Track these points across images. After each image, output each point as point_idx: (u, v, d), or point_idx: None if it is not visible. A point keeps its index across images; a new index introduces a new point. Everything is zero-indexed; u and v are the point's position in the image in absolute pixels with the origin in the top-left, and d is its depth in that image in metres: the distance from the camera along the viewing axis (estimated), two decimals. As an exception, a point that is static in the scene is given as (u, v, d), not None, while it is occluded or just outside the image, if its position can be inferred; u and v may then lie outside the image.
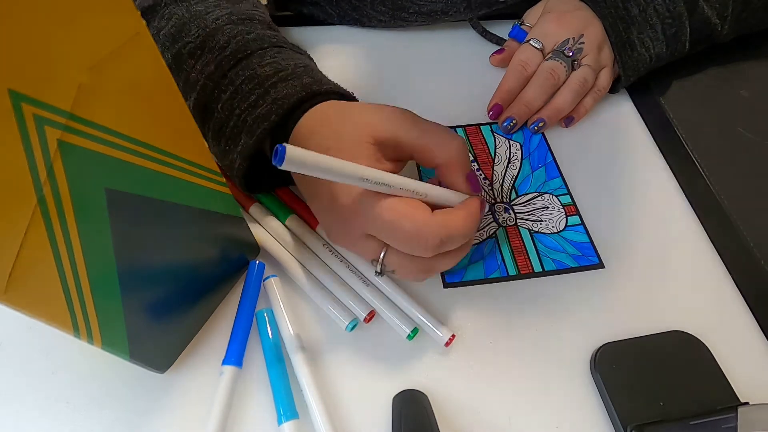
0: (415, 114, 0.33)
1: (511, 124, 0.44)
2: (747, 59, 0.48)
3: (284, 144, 0.23)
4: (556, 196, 0.41)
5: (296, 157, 0.24)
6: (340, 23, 0.53)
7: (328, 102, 0.34)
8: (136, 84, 0.22)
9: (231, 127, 0.34)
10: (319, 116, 0.33)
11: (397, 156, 0.32)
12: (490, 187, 0.42)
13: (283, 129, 0.34)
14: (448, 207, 0.31)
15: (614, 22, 0.44)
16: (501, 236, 0.39)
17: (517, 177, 0.42)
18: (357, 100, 0.37)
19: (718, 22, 0.45)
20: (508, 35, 0.51)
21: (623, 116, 0.47)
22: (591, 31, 0.44)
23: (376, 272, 0.33)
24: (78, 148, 0.20)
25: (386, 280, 0.35)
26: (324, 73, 0.38)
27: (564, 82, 0.45)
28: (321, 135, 0.32)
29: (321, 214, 0.34)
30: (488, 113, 0.46)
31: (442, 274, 0.36)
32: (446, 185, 0.33)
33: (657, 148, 0.45)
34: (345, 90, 0.36)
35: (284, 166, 0.24)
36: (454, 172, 0.32)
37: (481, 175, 0.43)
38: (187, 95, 0.36)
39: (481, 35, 0.53)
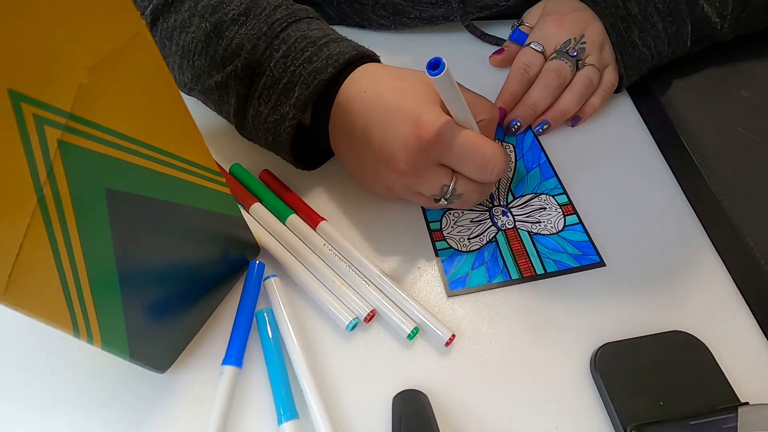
0: None
1: (517, 125, 0.44)
2: (747, 59, 0.48)
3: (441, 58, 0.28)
4: (553, 197, 0.41)
5: (450, 72, 0.29)
6: (340, 24, 0.53)
7: (377, 63, 0.37)
8: (137, 84, 0.22)
9: (284, 83, 0.35)
10: (375, 69, 0.36)
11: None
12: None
13: (326, 94, 0.36)
14: None
15: (615, 21, 0.44)
16: (501, 240, 0.39)
17: (512, 179, 0.42)
18: None
19: (719, 21, 0.45)
20: (509, 38, 0.51)
21: (623, 116, 0.47)
22: (591, 30, 0.44)
23: (443, 198, 0.36)
24: (78, 149, 0.20)
25: (386, 280, 0.35)
26: None
27: (570, 82, 0.45)
28: (388, 77, 0.35)
29: (373, 157, 0.35)
30: None
31: (446, 282, 0.37)
32: None
33: (657, 148, 0.45)
34: None
35: (441, 77, 0.28)
36: (490, 130, 0.37)
37: None
38: (228, 62, 0.37)
39: (480, 38, 0.53)
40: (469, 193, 0.35)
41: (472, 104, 0.35)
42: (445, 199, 0.36)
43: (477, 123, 0.35)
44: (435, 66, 0.28)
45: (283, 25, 0.36)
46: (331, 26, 0.39)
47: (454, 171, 0.35)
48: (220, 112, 0.41)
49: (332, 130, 0.37)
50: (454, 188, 0.35)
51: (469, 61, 0.51)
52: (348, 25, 0.53)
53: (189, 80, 0.40)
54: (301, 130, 0.37)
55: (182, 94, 0.25)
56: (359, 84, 0.35)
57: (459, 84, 0.35)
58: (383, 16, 0.52)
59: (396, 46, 0.52)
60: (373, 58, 0.38)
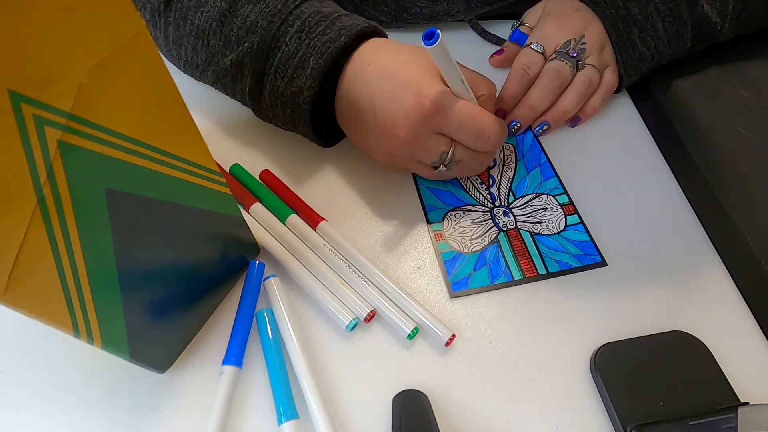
0: None
1: (516, 126, 0.44)
2: (747, 59, 0.48)
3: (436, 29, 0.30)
4: (554, 197, 0.41)
5: (444, 43, 0.31)
6: None
7: (382, 38, 0.39)
8: (137, 84, 0.22)
9: (300, 56, 0.37)
10: (380, 44, 0.38)
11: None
12: (487, 191, 0.42)
13: (334, 67, 0.37)
14: None
15: (615, 21, 0.44)
16: (503, 241, 0.39)
17: (513, 179, 0.42)
18: None
19: (719, 21, 0.45)
20: (509, 39, 0.51)
21: (623, 116, 0.47)
22: (592, 31, 0.44)
23: (443, 165, 0.37)
24: (78, 149, 0.20)
25: (386, 280, 0.35)
26: None
27: (570, 83, 0.44)
28: (392, 51, 0.37)
29: (377, 126, 0.36)
30: None
31: (449, 284, 0.37)
32: None
33: (657, 148, 0.45)
34: None
35: (436, 46, 0.30)
36: (490, 104, 0.39)
37: (477, 179, 0.43)
38: (243, 40, 0.37)
39: (481, 36, 0.53)
40: (467, 159, 0.37)
41: (471, 81, 0.37)
42: (444, 165, 0.37)
43: (477, 98, 0.37)
44: (430, 36, 0.30)
45: (297, 2, 0.38)
46: None
47: (452, 140, 0.36)
48: (233, 95, 0.41)
49: (338, 101, 0.38)
50: (453, 155, 0.37)
51: (469, 61, 0.50)
52: None
53: (202, 61, 0.40)
54: (315, 107, 0.38)
55: (182, 95, 0.25)
56: (364, 57, 0.37)
57: (459, 63, 0.36)
58: (384, 12, 0.52)
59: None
60: (382, 34, 0.39)
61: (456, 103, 0.35)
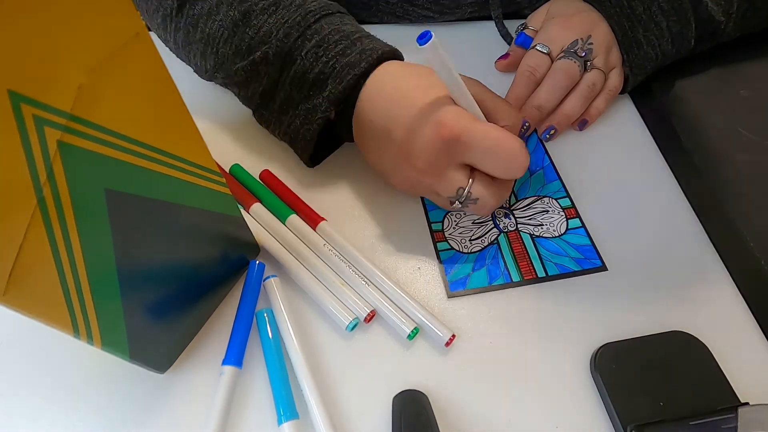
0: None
1: (525, 127, 0.44)
2: (747, 59, 0.48)
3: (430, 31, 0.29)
4: (556, 200, 0.41)
5: (438, 45, 0.30)
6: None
7: (400, 61, 0.38)
8: (136, 84, 0.22)
9: (316, 73, 0.36)
10: (399, 67, 0.37)
11: None
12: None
13: (353, 89, 0.36)
14: None
15: (620, 20, 0.44)
16: (503, 242, 0.39)
17: (515, 181, 0.42)
18: None
19: (723, 20, 0.45)
20: (514, 42, 0.50)
21: (625, 118, 0.47)
22: (598, 32, 0.44)
23: (458, 201, 0.35)
24: (78, 149, 0.20)
25: (386, 280, 0.35)
26: None
27: (577, 83, 0.44)
28: (410, 75, 0.36)
29: (395, 154, 0.35)
30: None
31: (447, 283, 0.37)
32: None
33: (657, 148, 0.45)
34: None
35: (427, 47, 0.29)
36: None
37: None
38: (254, 50, 0.37)
39: (495, 22, 0.52)
40: (484, 197, 0.35)
41: (497, 110, 0.35)
42: (460, 202, 0.35)
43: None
44: (423, 37, 0.29)
45: (317, 16, 0.37)
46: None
47: (472, 172, 0.35)
48: (246, 94, 0.41)
49: (356, 125, 0.38)
50: (469, 191, 0.35)
51: (472, 61, 0.51)
52: (355, 11, 0.53)
53: (211, 67, 0.40)
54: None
55: (182, 95, 0.25)
56: (383, 81, 0.36)
57: (487, 88, 0.36)
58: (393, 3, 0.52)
59: (401, 44, 0.52)
60: (400, 58, 0.39)
61: (480, 129, 0.33)
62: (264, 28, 0.37)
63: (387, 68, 0.37)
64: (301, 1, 0.38)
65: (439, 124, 0.33)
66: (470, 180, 0.34)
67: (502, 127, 0.35)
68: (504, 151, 0.33)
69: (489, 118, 0.35)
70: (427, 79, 0.35)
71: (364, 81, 0.36)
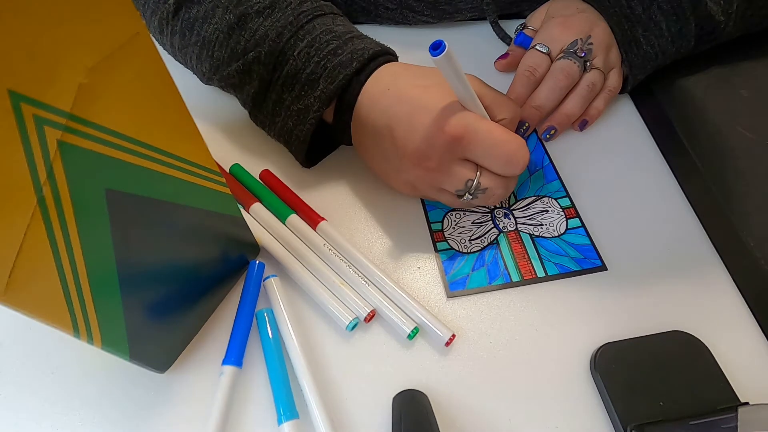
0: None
1: (524, 128, 0.44)
2: (747, 59, 0.48)
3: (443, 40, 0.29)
4: (556, 200, 0.41)
5: (452, 54, 0.29)
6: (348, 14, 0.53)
7: (398, 62, 0.38)
8: (136, 84, 0.22)
9: (308, 73, 0.36)
10: (397, 68, 0.37)
11: None
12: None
13: (349, 92, 0.37)
14: None
15: (619, 20, 0.44)
16: (502, 242, 0.39)
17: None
18: None
19: (723, 20, 0.45)
20: (513, 42, 0.50)
21: (624, 118, 0.47)
22: (598, 32, 0.44)
23: (467, 194, 0.36)
24: (78, 149, 0.20)
25: (386, 280, 0.35)
26: None
27: (577, 83, 0.44)
28: (412, 75, 0.36)
29: (398, 154, 0.35)
30: None
31: (446, 283, 0.37)
32: None
33: (657, 148, 0.45)
34: None
35: (441, 57, 0.29)
36: (512, 129, 0.37)
37: None
38: (249, 52, 0.37)
39: (492, 24, 0.52)
40: (493, 187, 0.35)
41: (495, 103, 0.36)
42: (470, 194, 0.36)
43: (499, 122, 0.35)
44: (436, 47, 0.29)
45: (309, 17, 0.37)
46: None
47: (478, 166, 0.35)
48: (241, 96, 0.41)
49: (355, 127, 0.38)
50: (478, 183, 0.35)
51: (473, 61, 0.51)
52: (354, 12, 0.53)
53: (207, 70, 0.40)
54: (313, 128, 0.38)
55: (182, 95, 0.25)
56: (382, 82, 0.36)
57: (483, 82, 0.36)
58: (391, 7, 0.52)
59: (401, 46, 0.52)
60: (394, 56, 0.39)
61: (482, 128, 0.33)
62: (260, 32, 0.37)
63: (389, 68, 0.37)
64: (296, 4, 0.38)
65: (442, 122, 0.33)
66: (478, 172, 0.35)
67: (501, 119, 0.35)
68: (505, 150, 0.33)
69: (488, 111, 0.35)
70: (426, 78, 0.35)
71: (360, 84, 0.36)
